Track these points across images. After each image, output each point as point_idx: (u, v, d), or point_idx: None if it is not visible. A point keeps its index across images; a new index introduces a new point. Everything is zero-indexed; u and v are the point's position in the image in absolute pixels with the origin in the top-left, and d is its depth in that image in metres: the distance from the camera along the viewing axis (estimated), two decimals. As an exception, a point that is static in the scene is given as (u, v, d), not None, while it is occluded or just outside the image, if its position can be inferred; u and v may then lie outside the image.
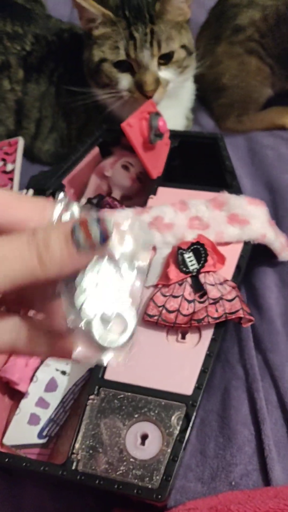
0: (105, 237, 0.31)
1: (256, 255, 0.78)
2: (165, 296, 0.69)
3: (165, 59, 0.88)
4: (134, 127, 0.79)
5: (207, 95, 1.10)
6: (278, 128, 1.06)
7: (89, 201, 0.85)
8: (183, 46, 0.90)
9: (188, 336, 0.68)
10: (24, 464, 0.61)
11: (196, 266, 0.70)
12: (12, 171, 0.92)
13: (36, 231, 0.31)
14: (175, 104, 0.97)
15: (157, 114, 0.82)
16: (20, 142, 0.97)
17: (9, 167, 0.93)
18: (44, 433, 0.69)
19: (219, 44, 1.06)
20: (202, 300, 0.68)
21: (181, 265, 0.70)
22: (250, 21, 1.02)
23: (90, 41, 0.89)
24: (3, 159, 0.95)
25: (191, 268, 0.70)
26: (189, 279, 0.70)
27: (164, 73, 0.89)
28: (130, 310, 0.34)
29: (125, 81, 0.89)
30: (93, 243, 0.31)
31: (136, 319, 0.35)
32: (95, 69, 0.90)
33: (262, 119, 1.07)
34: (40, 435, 0.69)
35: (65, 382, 0.72)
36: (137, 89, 0.88)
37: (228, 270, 0.72)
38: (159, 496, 0.56)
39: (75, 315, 0.33)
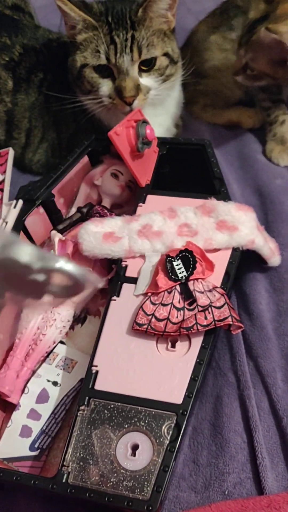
0: None
1: (246, 261, 0.78)
2: (154, 304, 0.69)
3: (147, 66, 0.88)
4: (121, 135, 0.79)
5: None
6: (235, 125, 1.11)
7: (79, 210, 0.85)
8: (166, 54, 0.90)
9: (178, 344, 0.67)
10: (14, 477, 0.60)
11: (185, 273, 0.70)
12: (2, 182, 0.92)
13: None
14: (162, 112, 0.97)
15: (144, 122, 0.82)
16: (11, 152, 0.97)
17: (-1, 178, 0.94)
18: (36, 445, 0.69)
19: (214, 33, 1.10)
20: (191, 307, 0.68)
21: (170, 272, 0.70)
22: (241, 26, 1.03)
23: (74, 47, 0.89)
24: (-7, 170, 0.95)
25: (180, 275, 0.70)
26: (178, 287, 0.70)
27: (145, 80, 0.89)
28: None
29: (105, 87, 0.89)
30: None
31: None
32: (78, 75, 0.90)
33: (222, 114, 1.12)
34: (32, 447, 0.68)
35: (57, 393, 0.72)
36: (117, 95, 0.87)
37: (217, 276, 0.72)
38: (150, 508, 0.56)
39: None
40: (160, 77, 0.90)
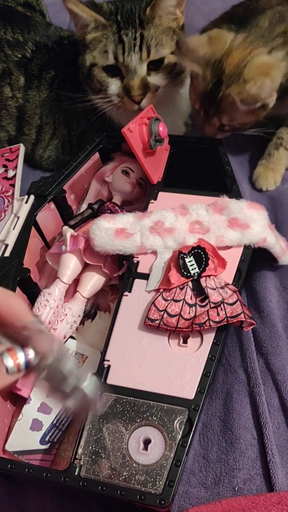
0: (28, 364, 0.40)
1: (257, 259, 0.78)
2: (166, 300, 0.69)
3: (155, 64, 0.88)
4: (134, 132, 0.79)
5: None
6: None
7: (90, 206, 0.85)
8: (175, 52, 0.89)
9: (190, 340, 0.67)
10: (26, 470, 0.61)
11: (197, 270, 0.70)
12: (13, 177, 0.92)
13: None
14: (172, 111, 0.97)
15: (157, 119, 0.82)
16: (21, 148, 0.97)
17: (10, 173, 0.93)
18: (47, 439, 0.69)
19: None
20: (203, 304, 0.68)
21: (182, 269, 0.70)
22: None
23: (84, 46, 0.90)
24: (4, 166, 0.95)
25: (192, 272, 0.70)
26: (190, 283, 0.70)
27: (154, 78, 0.89)
28: None
29: (114, 86, 0.89)
30: (19, 367, 0.39)
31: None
32: (87, 74, 0.90)
33: None
34: (42, 441, 0.69)
35: (67, 388, 0.72)
36: (125, 94, 0.88)
37: (229, 274, 0.72)
38: (163, 502, 0.56)
39: None
40: (169, 74, 0.90)
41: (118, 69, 0.88)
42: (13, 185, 0.92)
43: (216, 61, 0.82)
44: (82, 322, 0.80)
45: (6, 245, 0.80)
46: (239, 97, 0.80)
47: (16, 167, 0.94)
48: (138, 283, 0.73)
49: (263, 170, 0.97)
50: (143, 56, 0.86)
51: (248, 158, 1.03)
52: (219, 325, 0.66)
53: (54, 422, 0.70)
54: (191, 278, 0.70)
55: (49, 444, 0.69)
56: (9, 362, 0.38)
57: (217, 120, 0.86)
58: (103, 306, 0.82)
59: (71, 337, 0.77)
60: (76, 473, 0.59)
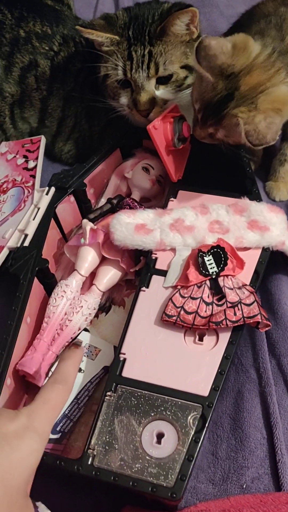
0: None
1: (273, 262, 0.79)
2: (183, 297, 0.70)
3: (164, 79, 0.88)
4: (158, 129, 0.80)
5: None
6: None
7: (109, 201, 0.86)
8: (185, 67, 0.88)
9: (206, 338, 0.68)
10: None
11: (215, 269, 0.71)
12: (34, 168, 0.93)
13: None
14: (187, 114, 0.97)
15: (182, 118, 0.83)
16: (42, 140, 0.98)
17: (31, 164, 0.94)
18: (58, 429, 0.69)
19: None
20: (220, 303, 0.69)
21: (201, 267, 0.71)
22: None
23: (100, 57, 0.90)
24: (25, 156, 0.96)
25: (210, 271, 0.71)
26: (208, 282, 0.71)
27: (162, 93, 0.89)
28: None
29: (124, 97, 0.90)
30: None
31: None
32: (102, 82, 0.91)
33: None
34: (54, 431, 0.69)
35: (80, 379, 0.73)
36: (134, 106, 0.89)
37: (246, 274, 0.73)
38: (174, 495, 0.57)
39: None
40: (178, 88, 0.89)
41: (128, 82, 0.89)
42: (33, 176, 0.92)
43: (233, 74, 0.76)
44: (96, 315, 0.80)
45: (26, 235, 0.81)
46: (244, 124, 0.74)
47: (37, 158, 0.95)
48: (155, 279, 0.74)
49: (275, 183, 0.97)
50: (151, 73, 0.86)
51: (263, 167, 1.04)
52: (236, 324, 0.67)
53: (66, 412, 0.70)
54: (209, 277, 0.71)
55: (60, 434, 0.69)
56: None
57: (213, 130, 0.81)
58: (117, 300, 0.83)
59: (85, 329, 0.78)
60: (89, 462, 0.60)
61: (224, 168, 0.87)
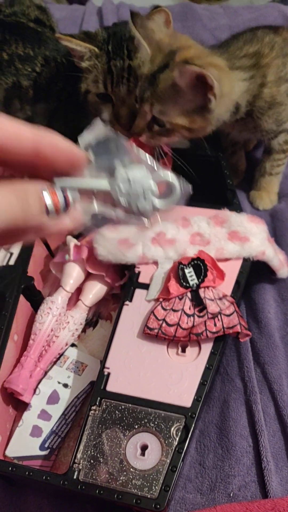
0: (67, 205, 0.36)
1: (256, 272, 0.80)
2: (165, 309, 0.71)
3: None
4: (137, 145, 0.81)
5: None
6: None
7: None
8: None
9: (188, 349, 0.69)
10: (27, 473, 0.62)
11: (196, 281, 0.72)
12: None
13: (21, 188, 0.34)
14: None
15: (160, 133, 0.85)
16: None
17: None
18: (46, 445, 0.70)
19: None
20: (201, 314, 0.70)
21: (182, 279, 0.72)
22: None
23: (81, 74, 0.92)
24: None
25: (191, 283, 0.72)
26: (189, 294, 0.72)
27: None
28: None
29: (106, 112, 0.92)
30: (58, 208, 0.36)
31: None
32: (83, 100, 0.93)
33: None
34: (42, 447, 0.70)
35: (67, 395, 0.74)
36: (116, 121, 0.90)
37: (227, 285, 0.74)
38: (158, 506, 0.58)
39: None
40: None
41: (109, 96, 0.90)
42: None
43: (171, 52, 0.77)
44: (84, 330, 0.81)
45: (11, 254, 0.82)
46: (188, 71, 0.72)
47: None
48: (138, 292, 0.75)
49: (257, 192, 0.99)
50: (131, 86, 0.88)
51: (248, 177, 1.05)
52: (216, 335, 0.68)
53: (54, 428, 0.71)
54: (190, 289, 0.72)
55: (49, 450, 0.70)
56: (49, 200, 0.34)
57: (148, 108, 0.79)
58: (104, 314, 0.84)
59: (73, 344, 0.79)
60: (74, 477, 0.61)
61: (205, 180, 0.88)
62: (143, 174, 0.39)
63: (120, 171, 0.38)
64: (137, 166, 0.39)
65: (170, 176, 0.40)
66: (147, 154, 0.41)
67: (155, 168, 0.40)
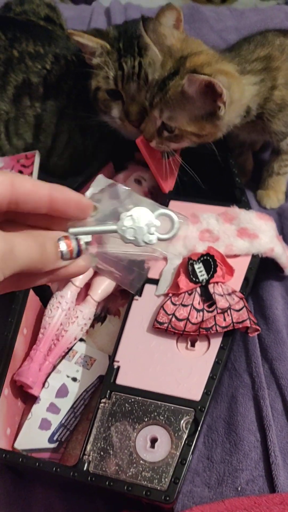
0: (79, 252, 0.42)
1: (264, 269, 0.80)
2: (175, 304, 0.72)
3: None
4: (147, 142, 0.82)
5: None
6: None
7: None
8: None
9: (197, 344, 0.70)
10: (37, 464, 0.63)
11: (205, 276, 0.73)
12: (28, 184, 0.95)
13: (39, 235, 0.41)
14: None
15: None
16: (37, 155, 1.00)
17: (25, 179, 0.96)
18: (55, 438, 0.71)
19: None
20: (210, 309, 0.71)
21: (191, 275, 0.73)
22: None
23: (91, 71, 0.93)
24: (20, 171, 0.98)
25: (200, 278, 0.72)
26: (198, 289, 0.72)
27: None
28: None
29: (116, 109, 0.92)
30: (72, 254, 0.41)
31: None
32: (93, 97, 0.94)
33: None
34: (51, 440, 0.71)
35: (76, 389, 0.74)
36: (126, 118, 0.91)
37: (236, 281, 0.74)
38: (167, 498, 0.58)
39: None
40: None
41: (119, 93, 0.91)
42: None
43: (181, 58, 0.78)
44: (92, 325, 0.82)
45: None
46: (196, 80, 0.72)
47: (31, 173, 0.97)
48: (148, 288, 0.76)
49: (265, 191, 0.99)
50: (141, 83, 0.89)
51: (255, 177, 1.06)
52: (225, 330, 0.69)
53: (63, 421, 0.72)
54: (200, 284, 0.72)
55: (57, 443, 0.71)
56: (64, 247, 0.40)
57: (158, 114, 0.79)
58: (112, 310, 0.84)
59: (81, 339, 0.80)
60: (84, 469, 0.61)
61: (214, 178, 0.89)
62: (145, 212, 0.44)
63: (124, 212, 0.43)
64: (138, 207, 0.44)
65: (168, 211, 0.45)
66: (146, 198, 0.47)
67: (155, 206, 0.45)
